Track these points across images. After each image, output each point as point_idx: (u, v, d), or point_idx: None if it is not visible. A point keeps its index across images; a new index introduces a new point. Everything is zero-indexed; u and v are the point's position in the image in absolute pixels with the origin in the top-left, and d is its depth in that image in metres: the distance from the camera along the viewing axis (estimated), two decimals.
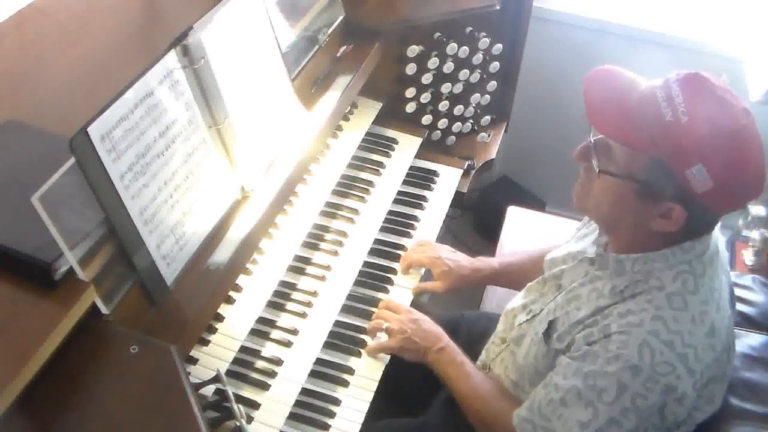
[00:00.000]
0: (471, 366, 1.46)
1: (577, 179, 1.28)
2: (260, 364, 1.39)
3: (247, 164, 1.46)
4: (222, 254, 1.36)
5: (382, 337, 1.51)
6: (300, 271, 1.58)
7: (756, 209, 2.29)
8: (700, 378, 1.16)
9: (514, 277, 1.67)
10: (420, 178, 1.91)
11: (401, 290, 1.64)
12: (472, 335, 1.65)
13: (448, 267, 1.66)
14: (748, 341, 1.42)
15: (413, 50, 1.90)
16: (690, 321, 1.15)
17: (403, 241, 1.74)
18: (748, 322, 1.51)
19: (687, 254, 1.19)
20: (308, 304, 1.51)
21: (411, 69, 1.93)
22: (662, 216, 1.16)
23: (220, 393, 1.21)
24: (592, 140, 1.22)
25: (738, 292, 1.51)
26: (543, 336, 1.30)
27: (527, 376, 1.35)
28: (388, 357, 1.49)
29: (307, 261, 1.60)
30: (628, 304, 1.19)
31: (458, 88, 2.02)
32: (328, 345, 1.47)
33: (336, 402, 1.39)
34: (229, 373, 1.34)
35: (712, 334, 1.17)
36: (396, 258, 1.70)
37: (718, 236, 1.27)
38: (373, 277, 1.65)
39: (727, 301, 1.25)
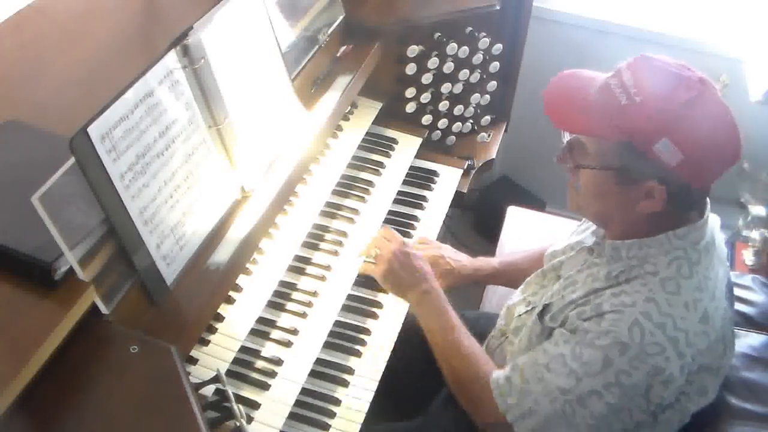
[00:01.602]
0: (456, 319, 1.44)
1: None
2: (260, 364, 1.39)
3: (247, 164, 1.46)
4: (222, 254, 1.36)
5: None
6: (300, 271, 1.58)
7: (756, 209, 2.29)
8: (691, 362, 1.17)
9: (514, 276, 1.67)
10: (420, 178, 1.91)
11: None
12: (472, 335, 1.65)
13: (450, 266, 1.67)
14: (748, 341, 1.42)
15: (413, 50, 1.90)
16: (683, 306, 1.17)
17: None
18: (748, 322, 1.51)
19: (682, 241, 1.21)
20: (308, 304, 1.51)
21: (411, 69, 1.93)
22: (646, 197, 1.18)
23: (220, 393, 1.21)
24: (566, 142, 1.27)
25: (738, 292, 1.51)
26: (537, 316, 1.32)
27: None
28: (388, 357, 1.48)
29: (307, 261, 1.60)
30: (623, 287, 1.21)
31: (458, 88, 2.02)
32: (328, 345, 1.47)
33: (336, 402, 1.39)
34: (229, 373, 1.34)
35: (705, 321, 1.18)
36: None
37: (716, 228, 1.29)
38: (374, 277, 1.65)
39: (723, 292, 1.26)
